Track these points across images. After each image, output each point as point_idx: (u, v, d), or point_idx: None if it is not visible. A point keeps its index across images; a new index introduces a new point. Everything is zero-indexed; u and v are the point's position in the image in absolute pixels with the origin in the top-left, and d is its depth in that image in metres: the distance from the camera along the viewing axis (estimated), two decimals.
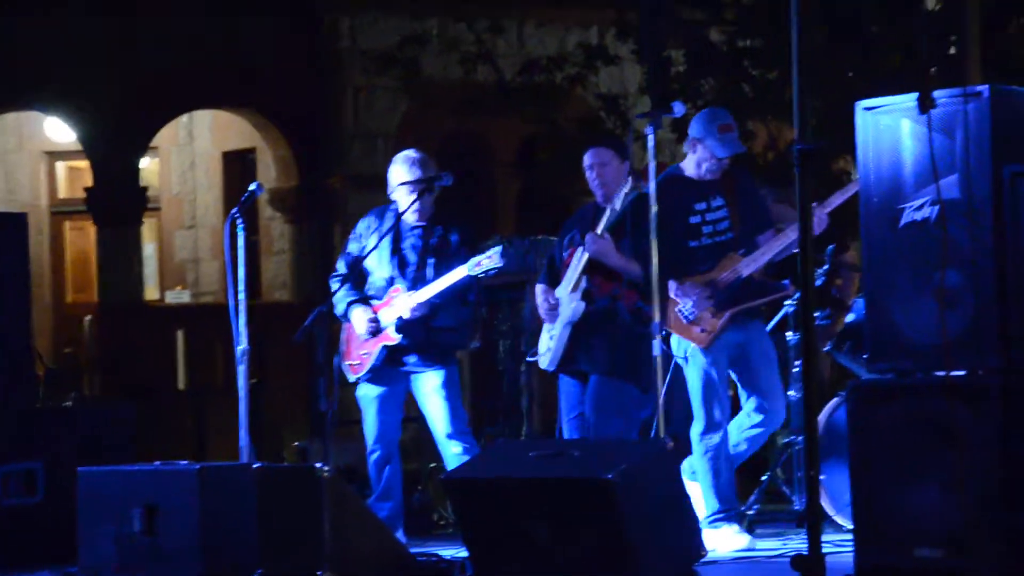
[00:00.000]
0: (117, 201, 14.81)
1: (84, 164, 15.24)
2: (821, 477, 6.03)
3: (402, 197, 7.91)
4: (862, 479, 5.72)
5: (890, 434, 5.66)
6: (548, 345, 7.67)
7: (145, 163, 15.47)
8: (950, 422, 5.53)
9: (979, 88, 5.73)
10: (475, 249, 7.83)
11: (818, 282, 7.81)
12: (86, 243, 15.77)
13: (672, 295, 7.40)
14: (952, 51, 11.44)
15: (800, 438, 7.59)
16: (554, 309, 7.63)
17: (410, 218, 7.88)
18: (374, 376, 7.91)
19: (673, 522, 6.10)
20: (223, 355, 12.95)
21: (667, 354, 7.36)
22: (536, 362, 7.89)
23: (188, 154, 16.29)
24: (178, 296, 15.69)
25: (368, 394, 7.95)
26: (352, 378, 8.01)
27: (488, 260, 7.55)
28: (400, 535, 7.67)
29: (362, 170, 14.68)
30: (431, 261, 7.86)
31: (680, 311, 7.39)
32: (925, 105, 5.68)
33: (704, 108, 11.33)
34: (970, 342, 5.59)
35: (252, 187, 7.80)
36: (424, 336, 7.82)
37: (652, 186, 7.12)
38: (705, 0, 12.72)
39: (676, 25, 12.82)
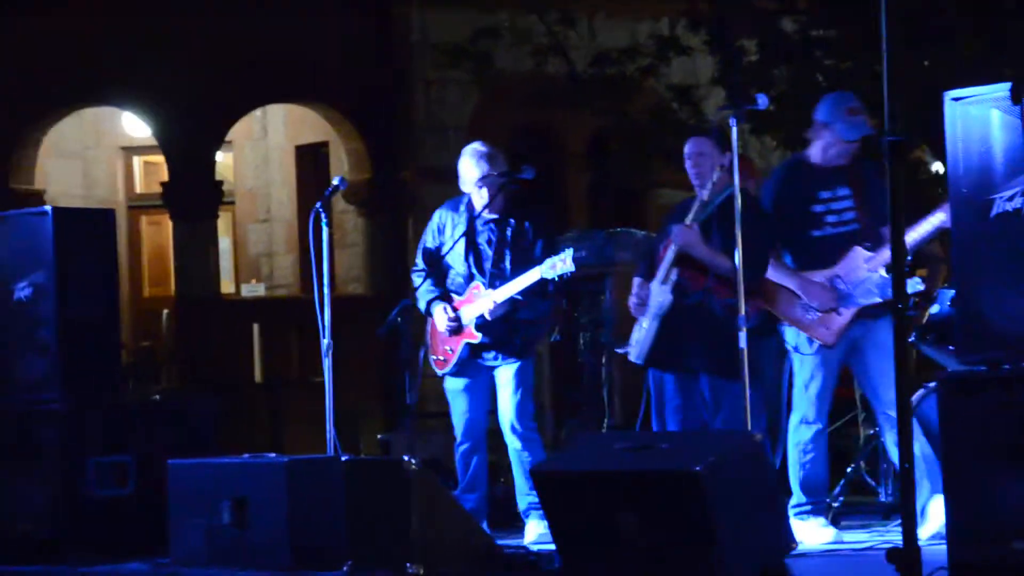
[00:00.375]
0: (193, 195, 14.93)
1: (160, 159, 15.37)
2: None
3: (475, 191, 7.94)
4: (954, 471, 5.69)
5: (981, 426, 5.62)
6: (638, 337, 7.63)
7: (220, 157, 15.58)
8: None
9: None
10: (551, 238, 7.85)
11: (920, 287, 7.54)
12: (162, 237, 15.89)
13: (794, 288, 7.24)
14: None
15: None
16: (643, 304, 7.57)
17: (484, 212, 7.91)
18: (460, 370, 7.97)
19: (762, 515, 6.08)
20: (298, 348, 13.08)
21: (779, 347, 7.26)
22: (617, 354, 7.86)
23: (262, 148, 16.37)
24: (253, 289, 15.77)
25: (455, 387, 8.01)
26: (439, 372, 8.08)
27: (562, 263, 7.58)
28: (484, 526, 7.71)
29: (434, 163, 14.70)
30: (508, 254, 7.89)
31: (802, 306, 7.24)
32: (1018, 95, 5.65)
33: (778, 98, 11.33)
34: None
35: (335, 181, 7.87)
36: (505, 331, 7.87)
37: (736, 178, 7.05)
38: None
39: (748, 15, 12.76)
